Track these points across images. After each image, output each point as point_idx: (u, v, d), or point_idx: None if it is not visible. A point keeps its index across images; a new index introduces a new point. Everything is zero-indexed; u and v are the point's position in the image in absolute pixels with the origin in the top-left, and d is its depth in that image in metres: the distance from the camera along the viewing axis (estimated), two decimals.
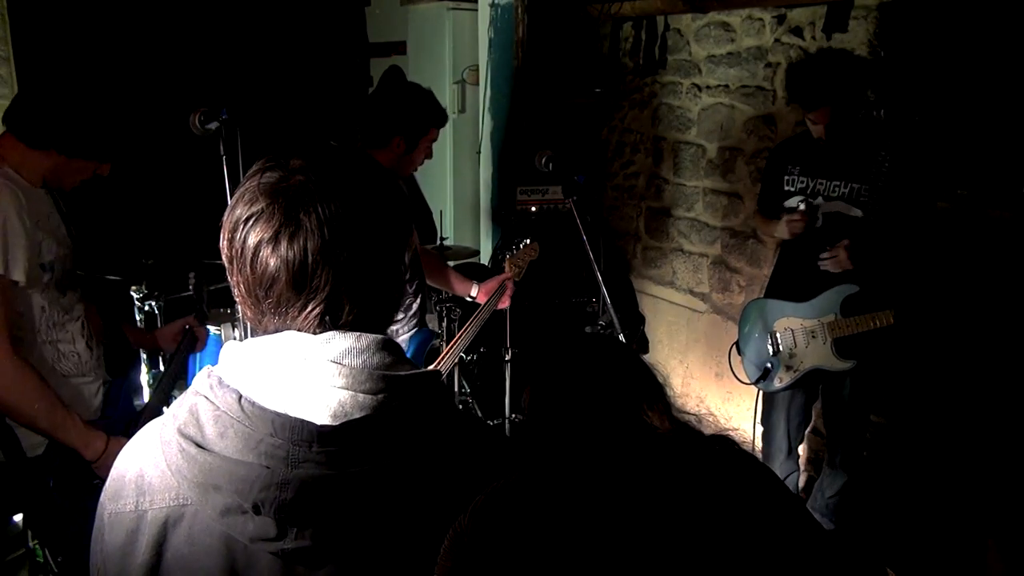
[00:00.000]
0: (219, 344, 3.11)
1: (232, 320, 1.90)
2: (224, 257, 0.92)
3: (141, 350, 3.00)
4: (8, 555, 2.57)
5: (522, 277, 2.99)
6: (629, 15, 4.24)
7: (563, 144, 4.25)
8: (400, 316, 2.66)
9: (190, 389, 0.91)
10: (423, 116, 2.52)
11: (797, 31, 3.54)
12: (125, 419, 2.04)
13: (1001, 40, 2.80)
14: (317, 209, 0.86)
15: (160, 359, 3.14)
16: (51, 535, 1.87)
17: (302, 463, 0.83)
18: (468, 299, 2.97)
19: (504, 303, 2.95)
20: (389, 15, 5.29)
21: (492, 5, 4.37)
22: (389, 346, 0.91)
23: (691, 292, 4.33)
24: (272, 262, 0.87)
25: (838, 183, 2.81)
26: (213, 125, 1.91)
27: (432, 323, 3.33)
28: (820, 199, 2.85)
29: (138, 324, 3.28)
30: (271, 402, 0.86)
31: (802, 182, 2.89)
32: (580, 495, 0.81)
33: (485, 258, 4.58)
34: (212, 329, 3.28)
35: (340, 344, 0.88)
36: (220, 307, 3.27)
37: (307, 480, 0.83)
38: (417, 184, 2.92)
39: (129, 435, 1.03)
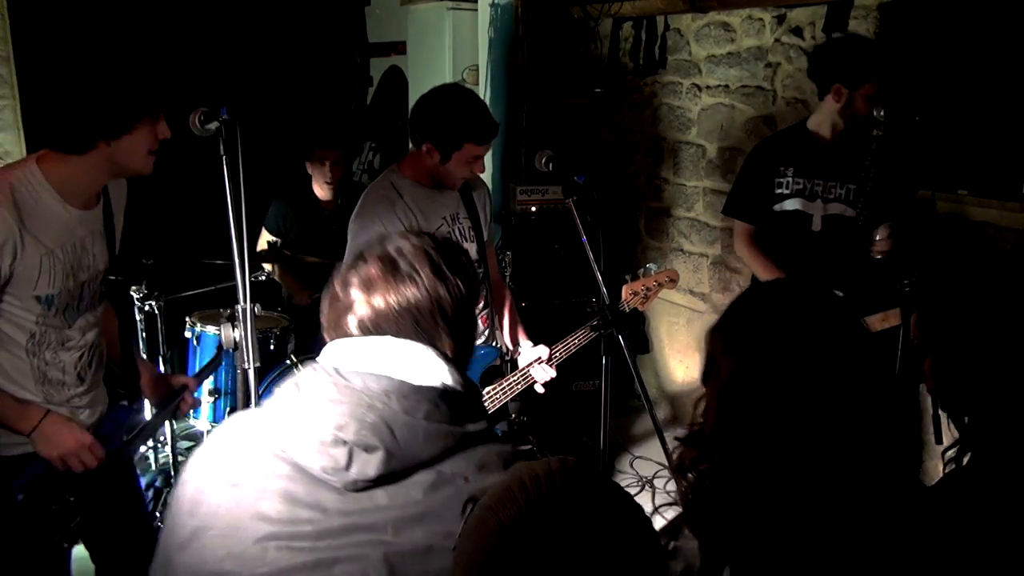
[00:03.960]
0: (218, 345, 3.10)
1: (232, 320, 1.89)
2: (329, 302, 1.15)
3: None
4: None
5: (645, 307, 2.63)
6: (629, 15, 4.24)
7: (563, 144, 4.26)
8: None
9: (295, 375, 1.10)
10: (454, 127, 2.22)
11: (797, 31, 3.54)
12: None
13: (1001, 40, 2.80)
14: (414, 269, 1.11)
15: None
16: (11, 543, 1.82)
17: (382, 407, 1.00)
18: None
19: (538, 380, 2.50)
20: (389, 15, 5.29)
21: (492, 5, 4.37)
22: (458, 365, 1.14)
23: (691, 292, 4.32)
24: (372, 302, 1.11)
25: (834, 184, 2.71)
26: (213, 125, 1.89)
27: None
28: (819, 201, 2.73)
29: (139, 331, 3.27)
30: (364, 370, 1.04)
31: (798, 183, 2.73)
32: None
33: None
34: (211, 329, 3.28)
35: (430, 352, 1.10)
36: (220, 307, 3.27)
37: (384, 416, 0.99)
38: (485, 194, 2.67)
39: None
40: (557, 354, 2.53)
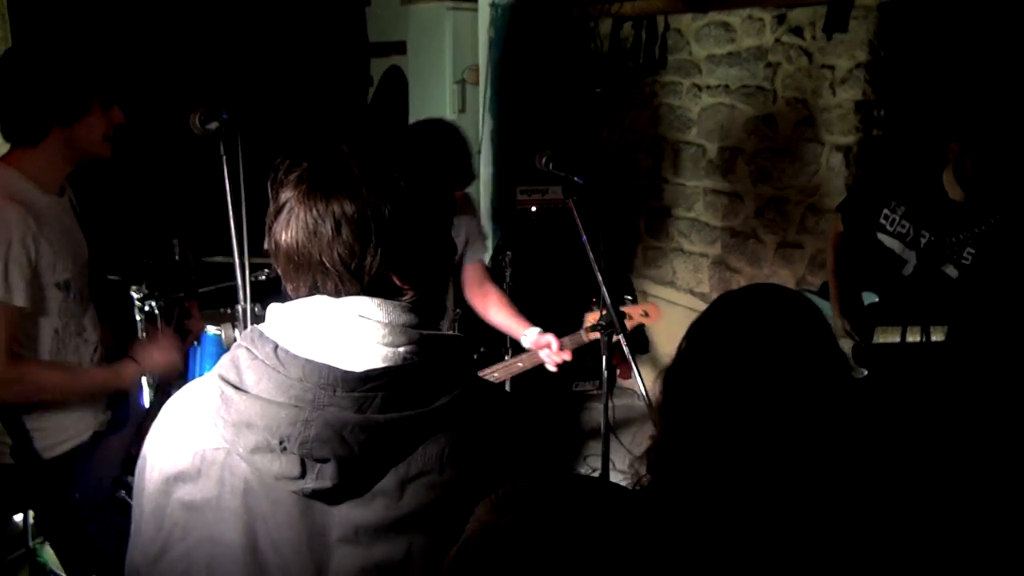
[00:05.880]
0: (219, 344, 3.10)
1: (232, 320, 1.89)
2: (268, 223, 0.98)
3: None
4: (8, 555, 2.57)
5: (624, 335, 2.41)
6: (629, 15, 4.24)
7: (563, 144, 4.25)
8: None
9: (235, 343, 0.99)
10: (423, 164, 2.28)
11: (797, 31, 3.54)
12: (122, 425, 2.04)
13: (1001, 39, 2.80)
14: (359, 169, 0.94)
15: None
16: (69, 547, 1.88)
17: (327, 406, 0.90)
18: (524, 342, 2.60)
19: (548, 363, 2.51)
20: (389, 15, 5.29)
21: (492, 5, 4.37)
22: (417, 309, 0.98)
23: (691, 292, 4.32)
24: (299, 207, 0.94)
25: (945, 239, 2.55)
26: (213, 125, 1.90)
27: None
28: (915, 252, 2.59)
29: (139, 331, 3.28)
30: (304, 352, 0.93)
31: (903, 226, 2.60)
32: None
33: (485, 258, 4.58)
34: (212, 329, 3.28)
35: (370, 303, 0.95)
36: (220, 307, 3.27)
37: (330, 421, 0.89)
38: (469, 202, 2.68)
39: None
40: (567, 341, 2.53)
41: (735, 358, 0.95)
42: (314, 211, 0.92)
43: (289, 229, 0.94)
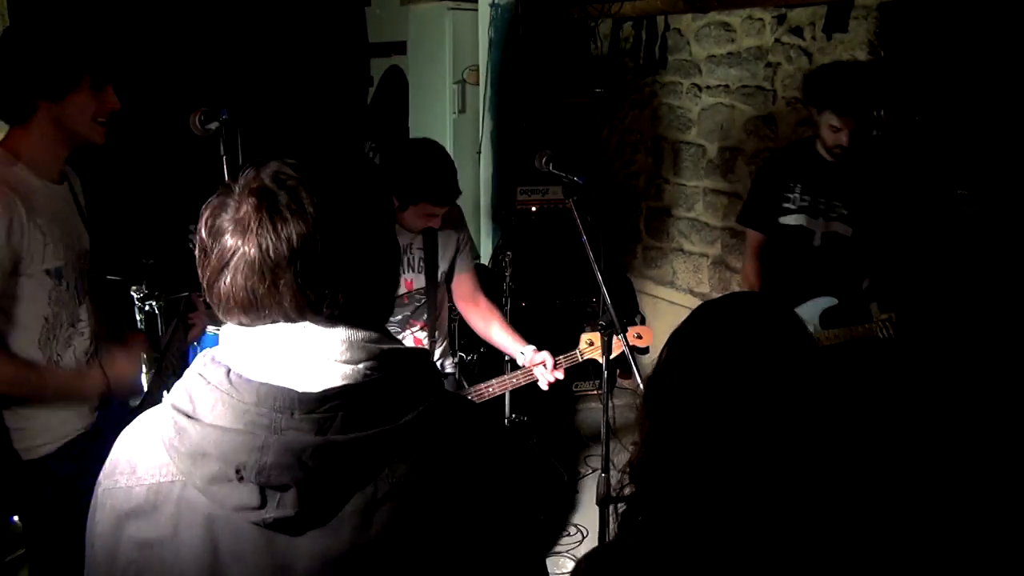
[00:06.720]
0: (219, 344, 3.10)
1: None
2: (200, 258, 0.91)
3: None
4: (7, 555, 2.57)
5: (607, 359, 2.42)
6: (629, 15, 4.24)
7: (563, 144, 4.26)
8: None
9: (188, 370, 0.94)
10: (414, 183, 2.28)
11: (797, 31, 3.54)
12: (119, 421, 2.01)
13: (1001, 40, 2.80)
14: (296, 200, 0.88)
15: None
16: (43, 542, 1.85)
17: (285, 430, 0.85)
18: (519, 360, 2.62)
19: (542, 381, 2.54)
20: (389, 15, 5.29)
21: (492, 5, 4.37)
22: (375, 327, 0.94)
23: (691, 292, 4.32)
24: (250, 251, 0.87)
25: (839, 203, 2.75)
26: (213, 125, 1.90)
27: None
28: (821, 219, 2.77)
29: (139, 326, 3.28)
30: (258, 375, 0.89)
31: (804, 200, 2.79)
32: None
33: (485, 258, 4.58)
34: (211, 329, 3.28)
35: (324, 324, 0.91)
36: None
37: (289, 445, 0.84)
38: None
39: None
40: (563, 360, 2.57)
41: (714, 368, 0.96)
42: (269, 256, 0.86)
43: (241, 278, 0.87)
